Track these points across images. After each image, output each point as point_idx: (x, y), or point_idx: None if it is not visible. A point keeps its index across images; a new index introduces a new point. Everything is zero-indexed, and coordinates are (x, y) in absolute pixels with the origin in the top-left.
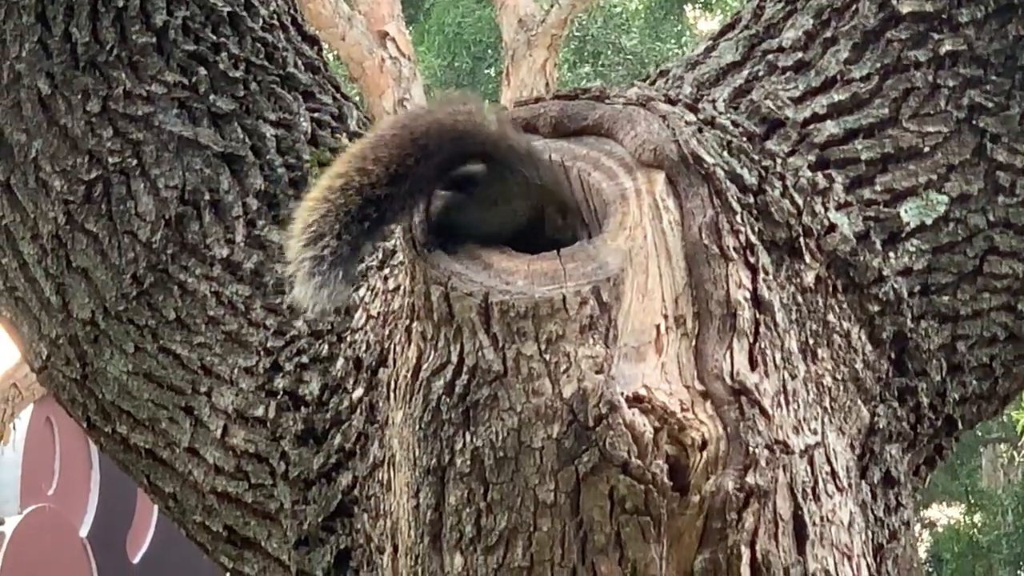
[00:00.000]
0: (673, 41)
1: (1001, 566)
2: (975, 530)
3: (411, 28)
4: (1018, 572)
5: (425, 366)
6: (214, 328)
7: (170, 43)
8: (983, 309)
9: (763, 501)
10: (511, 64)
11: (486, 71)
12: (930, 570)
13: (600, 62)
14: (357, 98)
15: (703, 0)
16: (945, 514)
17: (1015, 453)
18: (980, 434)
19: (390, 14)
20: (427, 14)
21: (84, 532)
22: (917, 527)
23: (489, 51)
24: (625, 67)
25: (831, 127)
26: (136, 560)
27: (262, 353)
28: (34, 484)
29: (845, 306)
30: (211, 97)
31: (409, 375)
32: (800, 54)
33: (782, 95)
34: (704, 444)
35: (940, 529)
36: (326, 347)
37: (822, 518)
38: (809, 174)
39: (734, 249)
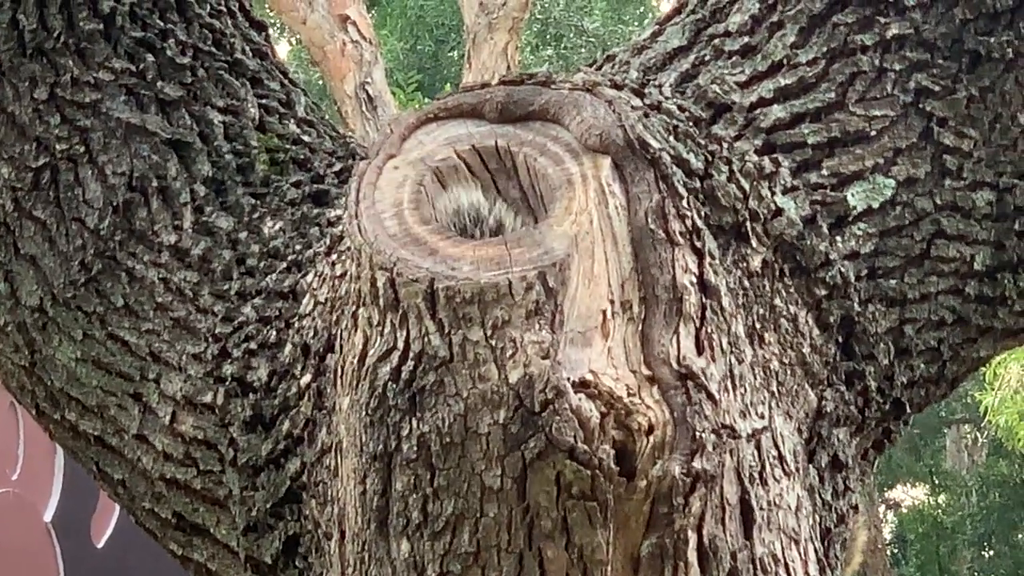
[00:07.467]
0: (636, 23)
1: (965, 547)
2: (939, 511)
3: (373, 11)
4: (982, 552)
5: (371, 352)
6: (162, 315)
7: (117, 30)
8: (930, 292)
9: (710, 486)
10: (473, 47)
11: (449, 54)
12: (894, 551)
13: (562, 45)
14: (319, 83)
15: None
16: (909, 495)
17: (979, 434)
18: (944, 415)
19: None
20: None
21: (48, 517)
22: (881, 508)
23: (451, 34)
24: (587, 50)
25: (777, 111)
26: (100, 544)
27: (210, 339)
28: None
29: (792, 290)
30: (159, 84)
31: (356, 361)
32: (747, 38)
33: (728, 80)
34: (651, 429)
35: (904, 510)
36: (274, 333)
37: (769, 502)
38: (755, 158)
39: (680, 234)
